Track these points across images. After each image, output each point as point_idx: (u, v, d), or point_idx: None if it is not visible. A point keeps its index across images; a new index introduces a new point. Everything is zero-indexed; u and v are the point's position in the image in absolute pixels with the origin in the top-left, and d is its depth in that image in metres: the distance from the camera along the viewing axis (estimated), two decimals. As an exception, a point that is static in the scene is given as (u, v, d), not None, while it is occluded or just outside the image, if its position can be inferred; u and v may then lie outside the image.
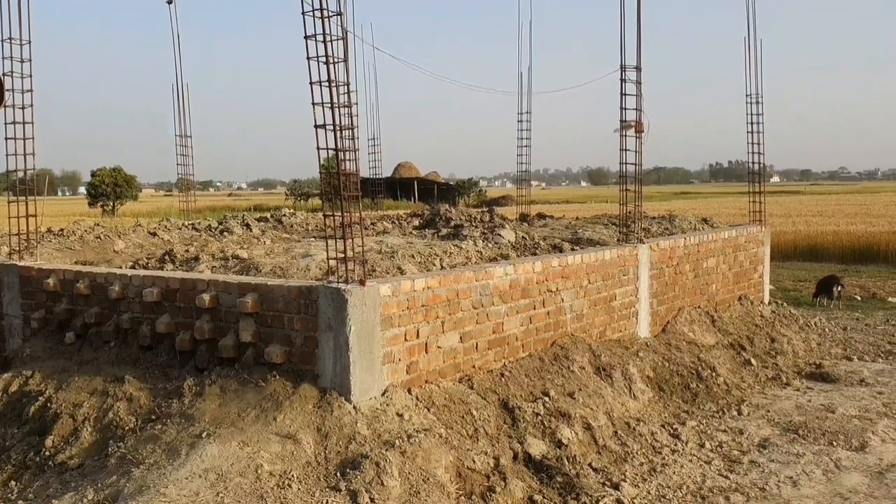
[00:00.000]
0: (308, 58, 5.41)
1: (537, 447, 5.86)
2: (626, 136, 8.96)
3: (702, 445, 6.51)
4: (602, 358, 7.39)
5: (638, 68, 8.86)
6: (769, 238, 12.19)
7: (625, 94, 8.86)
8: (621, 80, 8.85)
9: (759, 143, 11.85)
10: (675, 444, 6.50)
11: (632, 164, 8.95)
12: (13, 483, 5.20)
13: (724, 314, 10.06)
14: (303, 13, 5.41)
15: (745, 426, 7.03)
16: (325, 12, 5.39)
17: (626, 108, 8.88)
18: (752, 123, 11.81)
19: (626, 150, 8.92)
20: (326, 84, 5.38)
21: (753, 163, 11.99)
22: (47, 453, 5.39)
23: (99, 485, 4.76)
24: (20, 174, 7.28)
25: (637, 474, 5.88)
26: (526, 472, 5.64)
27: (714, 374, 8.08)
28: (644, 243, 8.89)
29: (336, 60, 5.41)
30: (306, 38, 5.41)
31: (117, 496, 4.57)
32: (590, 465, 5.88)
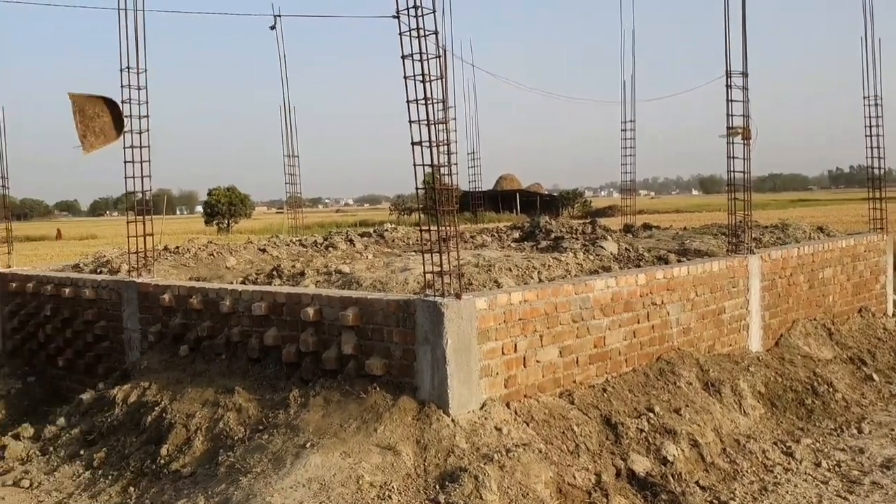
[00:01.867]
0: (405, 77, 5.50)
1: (641, 464, 5.72)
2: (732, 143, 8.70)
3: (818, 465, 6.19)
4: (710, 373, 7.15)
5: (744, 73, 8.59)
6: (892, 246, 11.51)
7: (731, 101, 8.60)
8: (727, 86, 8.60)
9: (879, 147, 11.25)
10: (789, 463, 6.20)
11: (740, 171, 8.67)
12: (132, 489, 5.48)
13: (842, 327, 9.55)
14: (399, 33, 5.51)
15: (866, 445, 6.64)
16: (421, 31, 5.47)
17: (732, 115, 8.62)
18: (871, 126, 11.23)
19: (733, 157, 8.65)
20: (423, 102, 5.45)
21: (873, 167, 11.38)
22: (162, 461, 5.66)
23: (209, 492, 4.96)
24: (138, 195, 7.70)
25: (747, 493, 5.64)
26: (629, 489, 5.51)
27: (831, 389, 7.67)
28: (754, 254, 8.57)
29: (432, 78, 5.47)
30: (403, 57, 5.50)
31: (226, 504, 4.74)
32: (696, 482, 5.69)
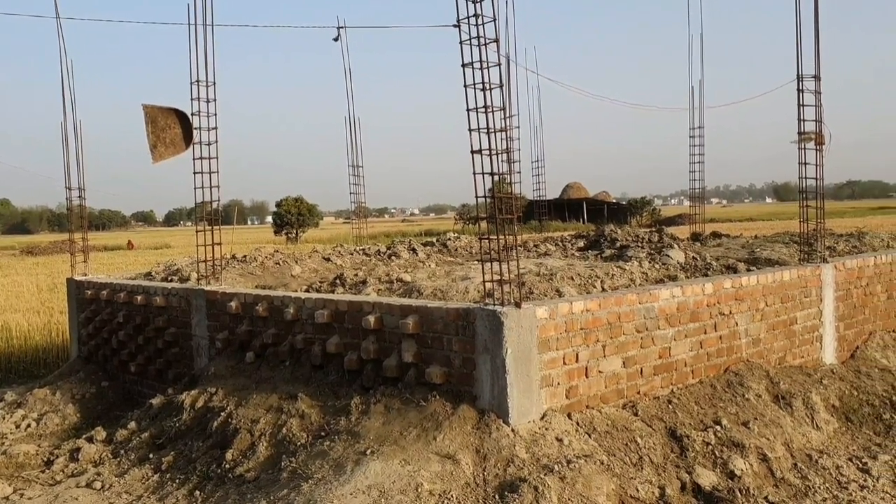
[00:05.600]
0: (465, 85, 5.50)
1: (707, 478, 5.57)
2: (804, 149, 8.45)
3: (896, 483, 5.92)
4: (781, 385, 6.93)
5: (816, 77, 8.34)
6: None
7: (802, 105, 8.37)
8: (798, 90, 8.37)
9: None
10: (865, 480, 5.95)
11: (812, 178, 8.41)
12: (198, 493, 5.59)
13: (924, 339, 9.15)
14: (460, 42, 5.52)
15: (948, 464, 6.32)
16: (481, 40, 5.47)
17: (804, 120, 8.38)
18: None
19: (805, 163, 8.40)
20: (483, 110, 5.45)
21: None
22: (227, 466, 5.76)
23: (271, 497, 5.02)
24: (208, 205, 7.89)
25: (820, 511, 5.43)
26: (694, 503, 5.37)
27: (911, 405, 7.34)
28: (828, 262, 8.30)
29: (493, 86, 5.46)
30: (463, 66, 5.51)
31: (287, 509, 4.79)
32: (765, 498, 5.50)
